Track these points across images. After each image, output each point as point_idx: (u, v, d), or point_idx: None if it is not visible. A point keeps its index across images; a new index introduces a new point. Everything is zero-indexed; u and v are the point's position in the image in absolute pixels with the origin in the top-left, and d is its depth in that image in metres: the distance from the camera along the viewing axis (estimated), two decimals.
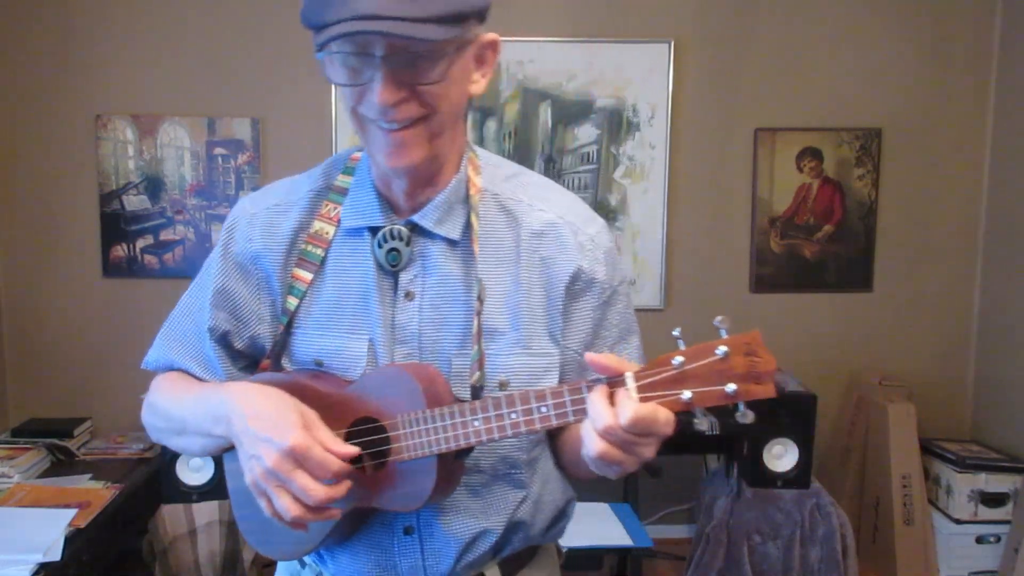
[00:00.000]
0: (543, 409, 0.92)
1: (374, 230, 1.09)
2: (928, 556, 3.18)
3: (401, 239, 1.07)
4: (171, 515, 2.86)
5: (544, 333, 1.09)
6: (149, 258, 3.35)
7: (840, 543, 2.88)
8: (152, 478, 2.92)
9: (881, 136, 3.44)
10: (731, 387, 0.83)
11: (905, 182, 3.48)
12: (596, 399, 0.87)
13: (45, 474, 2.94)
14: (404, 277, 1.08)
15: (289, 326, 1.12)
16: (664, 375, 0.86)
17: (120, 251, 3.34)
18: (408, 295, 1.08)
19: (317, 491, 0.93)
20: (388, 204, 1.10)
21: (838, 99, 3.43)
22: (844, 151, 3.44)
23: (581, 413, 0.90)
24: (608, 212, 3.42)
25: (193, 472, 2.87)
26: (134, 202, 3.33)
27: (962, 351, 3.56)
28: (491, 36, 1.04)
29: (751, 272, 3.49)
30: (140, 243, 3.34)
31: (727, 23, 3.39)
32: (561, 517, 1.19)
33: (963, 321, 3.55)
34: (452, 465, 1.01)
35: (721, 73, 3.41)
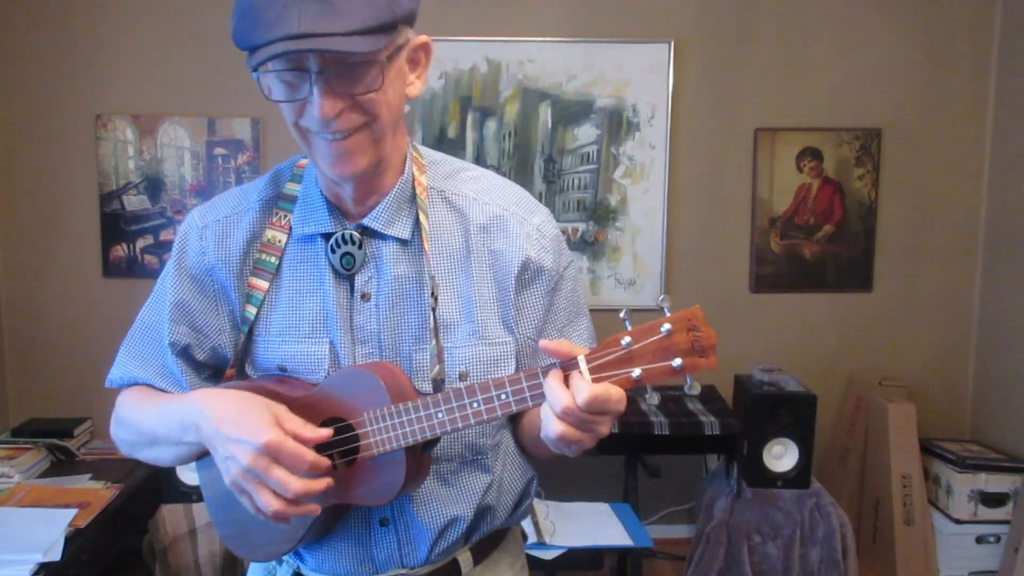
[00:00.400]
0: (503, 396, 0.96)
1: (326, 236, 1.11)
2: (928, 556, 3.18)
3: (353, 243, 1.09)
4: (171, 515, 2.86)
5: (498, 323, 1.12)
6: (149, 258, 3.35)
7: (840, 543, 2.88)
8: (152, 478, 2.92)
9: (881, 136, 3.44)
10: (677, 362, 0.88)
11: (905, 182, 3.48)
12: (553, 383, 0.91)
13: (45, 474, 2.93)
14: (359, 279, 1.11)
15: (250, 334, 1.14)
16: (614, 355, 0.90)
17: (120, 251, 3.34)
18: (364, 296, 1.11)
19: (295, 484, 0.96)
20: (337, 209, 1.12)
21: (838, 99, 3.43)
22: (844, 151, 3.44)
23: (539, 398, 0.94)
24: (608, 212, 3.42)
25: (193, 472, 2.85)
26: (134, 202, 3.33)
27: (962, 351, 3.56)
28: (422, 38, 1.07)
29: (751, 272, 3.49)
30: (140, 243, 3.34)
31: (727, 23, 3.38)
32: (524, 498, 1.23)
33: (963, 321, 3.55)
34: (420, 457, 1.05)
35: (721, 73, 3.41)
